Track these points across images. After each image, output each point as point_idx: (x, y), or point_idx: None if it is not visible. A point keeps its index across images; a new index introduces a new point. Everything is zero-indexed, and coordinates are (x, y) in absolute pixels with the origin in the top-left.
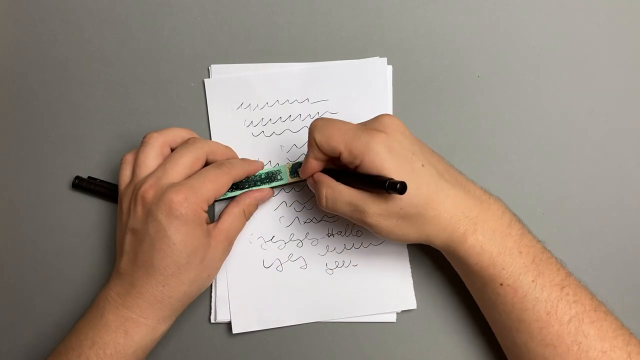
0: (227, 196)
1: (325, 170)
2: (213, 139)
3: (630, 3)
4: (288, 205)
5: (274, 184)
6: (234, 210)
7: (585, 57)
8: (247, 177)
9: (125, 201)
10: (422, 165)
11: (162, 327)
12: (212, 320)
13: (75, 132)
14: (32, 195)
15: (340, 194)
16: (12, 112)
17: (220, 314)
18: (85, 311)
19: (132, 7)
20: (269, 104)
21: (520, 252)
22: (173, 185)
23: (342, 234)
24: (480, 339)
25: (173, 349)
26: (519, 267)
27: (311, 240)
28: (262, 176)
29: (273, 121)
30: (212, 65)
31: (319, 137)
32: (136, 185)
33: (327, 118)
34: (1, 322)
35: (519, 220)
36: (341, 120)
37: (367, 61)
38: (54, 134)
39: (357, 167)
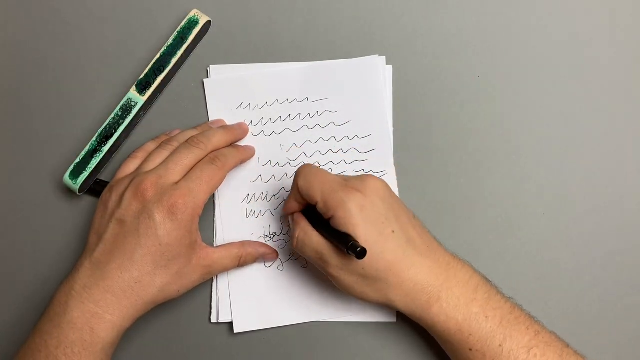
0: (104, 152)
1: (306, 210)
2: None
3: (631, 3)
4: None
5: (134, 111)
6: (233, 251)
7: (586, 56)
8: (109, 124)
9: (117, 189)
10: (393, 232)
11: (125, 326)
12: (213, 320)
13: (76, 132)
14: (31, 195)
15: (310, 240)
16: (12, 111)
17: (222, 314)
18: (46, 307)
19: (132, 7)
20: (269, 104)
21: (486, 317)
22: (173, 188)
23: None
24: None
25: (173, 349)
26: (486, 332)
27: None
28: (119, 113)
29: (273, 120)
30: (211, 66)
31: (301, 183)
32: (136, 177)
33: (314, 166)
34: (0, 323)
35: (487, 283)
36: (326, 172)
37: (365, 59)
38: (54, 134)
39: (329, 219)
